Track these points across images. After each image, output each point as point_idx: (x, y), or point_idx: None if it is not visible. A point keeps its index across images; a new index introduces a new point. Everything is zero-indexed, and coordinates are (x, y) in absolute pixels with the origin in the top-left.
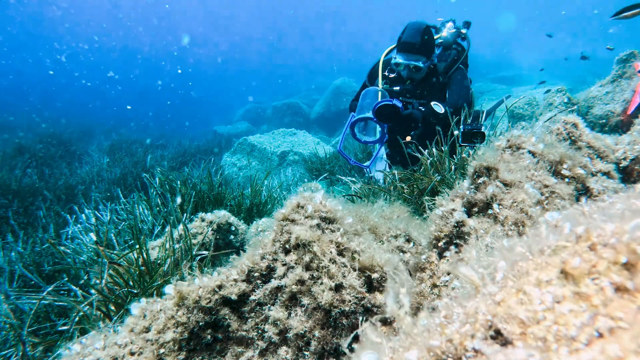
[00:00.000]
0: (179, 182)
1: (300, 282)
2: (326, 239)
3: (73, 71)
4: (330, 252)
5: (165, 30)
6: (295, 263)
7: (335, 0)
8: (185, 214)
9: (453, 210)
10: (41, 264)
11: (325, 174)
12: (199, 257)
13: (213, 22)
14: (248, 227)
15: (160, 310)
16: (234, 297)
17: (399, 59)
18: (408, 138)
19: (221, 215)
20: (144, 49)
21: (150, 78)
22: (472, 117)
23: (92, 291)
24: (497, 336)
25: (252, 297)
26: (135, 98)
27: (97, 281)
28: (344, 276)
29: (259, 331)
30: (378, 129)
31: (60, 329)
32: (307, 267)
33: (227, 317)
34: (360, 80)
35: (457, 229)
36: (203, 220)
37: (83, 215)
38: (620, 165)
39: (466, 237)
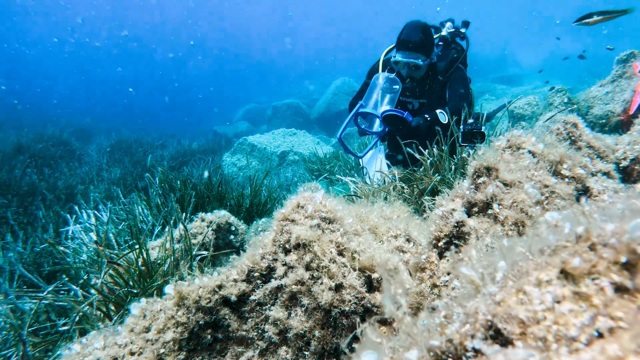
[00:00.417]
0: (179, 182)
1: (300, 282)
2: (326, 239)
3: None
4: (330, 252)
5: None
6: (296, 263)
7: (335, 1)
8: (184, 214)
9: (453, 210)
10: (41, 264)
11: (325, 174)
12: (199, 257)
13: (214, 23)
14: (248, 227)
15: (160, 310)
16: (233, 297)
17: (398, 57)
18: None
19: (221, 215)
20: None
21: (151, 78)
22: (471, 118)
23: (92, 291)
24: (497, 336)
25: (252, 297)
26: (135, 98)
27: (97, 281)
28: (344, 276)
29: (259, 331)
30: (379, 122)
31: (60, 329)
32: (307, 267)
33: (227, 317)
34: (360, 80)
35: (457, 229)
36: (203, 220)
37: (84, 214)
38: (620, 165)
39: (466, 237)
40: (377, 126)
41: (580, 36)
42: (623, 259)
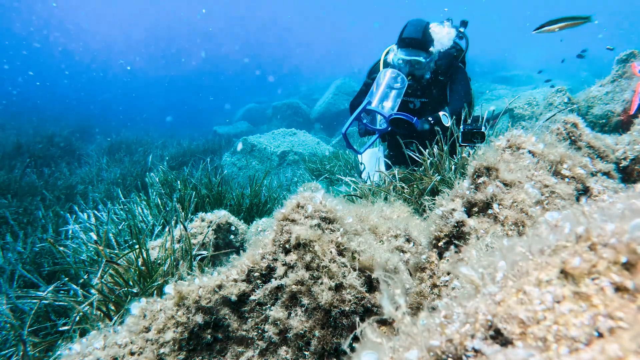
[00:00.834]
0: (179, 182)
1: (300, 282)
2: (326, 239)
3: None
4: (330, 252)
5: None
6: (296, 263)
7: (336, 2)
8: (184, 213)
9: (453, 210)
10: (41, 264)
11: (325, 174)
12: (199, 257)
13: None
14: (248, 227)
15: (160, 310)
16: (233, 297)
17: (400, 54)
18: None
19: (221, 215)
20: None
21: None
22: (471, 119)
23: (93, 291)
24: (497, 336)
25: (252, 297)
26: (136, 97)
27: (97, 281)
28: (344, 276)
29: (259, 331)
30: (382, 119)
31: (60, 329)
32: (307, 267)
33: (227, 317)
34: (360, 80)
35: (457, 229)
36: (203, 220)
37: (84, 214)
38: (620, 165)
39: (466, 237)
40: (379, 123)
41: (579, 37)
42: (623, 259)
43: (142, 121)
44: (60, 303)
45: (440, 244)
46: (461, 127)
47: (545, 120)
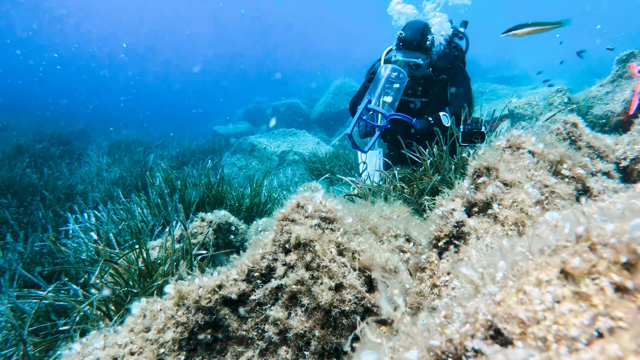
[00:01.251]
0: (179, 182)
1: (300, 281)
2: (326, 239)
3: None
4: (330, 251)
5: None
6: (296, 263)
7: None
8: (185, 213)
9: (453, 210)
10: (42, 264)
11: (326, 174)
12: (199, 257)
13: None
14: (248, 226)
15: (160, 310)
16: (233, 296)
17: (399, 56)
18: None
19: (221, 215)
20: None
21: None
22: (471, 120)
23: (93, 290)
24: (497, 336)
25: (252, 297)
26: (135, 98)
27: (95, 279)
28: (344, 276)
29: (259, 331)
30: (381, 117)
31: (60, 328)
32: (307, 267)
33: (227, 317)
34: (360, 80)
35: (457, 228)
36: (203, 220)
37: (85, 214)
38: (620, 165)
39: (466, 237)
40: (380, 120)
41: (580, 37)
42: (623, 259)
43: (142, 121)
44: (61, 303)
45: (440, 244)
46: (461, 127)
47: (545, 120)
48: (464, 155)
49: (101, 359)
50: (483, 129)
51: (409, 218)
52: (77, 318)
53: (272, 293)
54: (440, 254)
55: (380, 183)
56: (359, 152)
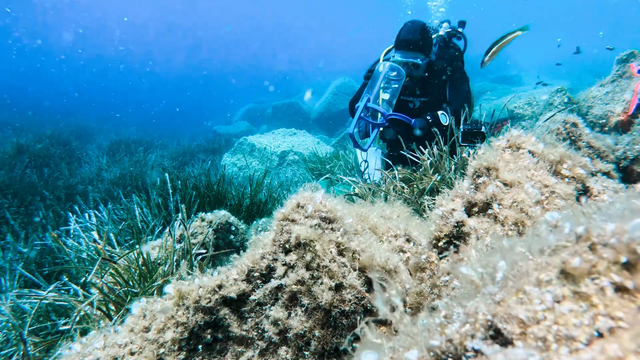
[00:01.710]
0: (179, 182)
1: (300, 281)
2: (326, 239)
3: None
4: (330, 251)
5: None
6: (296, 263)
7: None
8: (183, 213)
9: (453, 210)
10: (42, 263)
11: (326, 174)
12: (200, 257)
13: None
14: (248, 227)
15: (160, 310)
16: (233, 295)
17: (397, 56)
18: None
19: (221, 215)
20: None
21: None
22: (470, 120)
23: (93, 290)
24: (497, 336)
25: (252, 297)
26: (136, 97)
27: (92, 278)
28: (344, 276)
29: (259, 331)
30: (379, 115)
31: (61, 328)
32: (307, 267)
33: (227, 316)
34: (360, 80)
35: (457, 228)
36: (203, 220)
37: (86, 214)
38: (620, 165)
39: (466, 237)
40: (379, 118)
41: (579, 37)
42: (623, 259)
43: (143, 120)
44: (61, 303)
45: (440, 244)
46: (461, 127)
47: (545, 120)
48: (464, 155)
49: (101, 358)
50: (483, 129)
51: (409, 218)
52: (77, 318)
53: (272, 293)
54: (440, 254)
55: (380, 183)
56: (359, 152)
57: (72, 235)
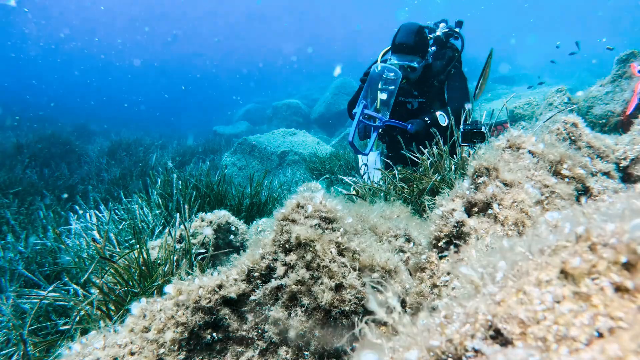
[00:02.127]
0: (180, 182)
1: (301, 281)
2: (326, 239)
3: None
4: (330, 251)
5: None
6: (296, 263)
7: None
8: (184, 213)
9: (453, 210)
10: (42, 263)
11: (326, 174)
12: (200, 257)
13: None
14: (248, 227)
15: (160, 310)
16: (233, 295)
17: (393, 59)
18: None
19: (221, 215)
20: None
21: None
22: (470, 120)
23: (93, 290)
24: (497, 336)
25: (252, 297)
26: (135, 97)
27: (97, 280)
28: (344, 276)
29: (259, 331)
30: (381, 115)
31: (61, 328)
32: (307, 267)
33: (227, 317)
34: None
35: (457, 228)
36: (203, 220)
37: (87, 214)
38: (620, 165)
39: (466, 237)
40: (377, 121)
41: (579, 38)
42: (623, 259)
43: (143, 120)
44: (61, 303)
45: (440, 244)
46: (461, 127)
47: (546, 120)
48: (464, 155)
49: (101, 359)
50: (483, 129)
51: (409, 218)
52: (77, 318)
53: (272, 293)
54: (440, 254)
55: (381, 183)
56: (360, 155)
57: (73, 234)
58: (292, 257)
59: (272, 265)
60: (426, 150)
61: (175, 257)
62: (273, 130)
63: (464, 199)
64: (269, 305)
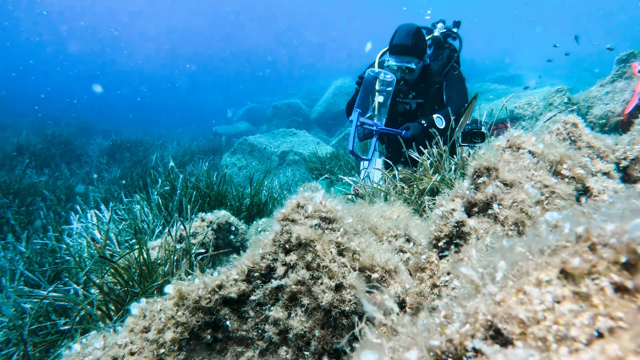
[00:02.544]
0: (180, 181)
1: (301, 282)
2: (326, 239)
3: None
4: (331, 251)
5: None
6: (296, 263)
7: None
8: (185, 213)
9: (453, 210)
10: (42, 263)
11: (326, 174)
12: (199, 257)
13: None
14: (248, 227)
15: (160, 310)
16: (233, 295)
17: (391, 61)
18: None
19: (221, 215)
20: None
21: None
22: (470, 120)
23: (93, 290)
24: (497, 336)
25: (252, 297)
26: (135, 97)
27: (97, 280)
28: (344, 276)
29: (259, 331)
30: (376, 119)
31: (61, 328)
32: (307, 267)
33: (227, 317)
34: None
35: (457, 229)
36: (203, 220)
37: (88, 214)
38: (620, 165)
39: (466, 237)
40: (375, 120)
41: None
42: (623, 259)
43: (143, 121)
44: (61, 303)
45: (440, 244)
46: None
47: (546, 120)
48: (464, 155)
49: (101, 359)
50: (483, 129)
51: (409, 218)
52: (78, 318)
53: (272, 293)
54: (440, 254)
55: (381, 183)
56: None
57: (73, 234)
58: (292, 257)
59: (272, 265)
60: (426, 150)
61: (175, 257)
62: (273, 130)
63: (464, 199)
64: (269, 306)
